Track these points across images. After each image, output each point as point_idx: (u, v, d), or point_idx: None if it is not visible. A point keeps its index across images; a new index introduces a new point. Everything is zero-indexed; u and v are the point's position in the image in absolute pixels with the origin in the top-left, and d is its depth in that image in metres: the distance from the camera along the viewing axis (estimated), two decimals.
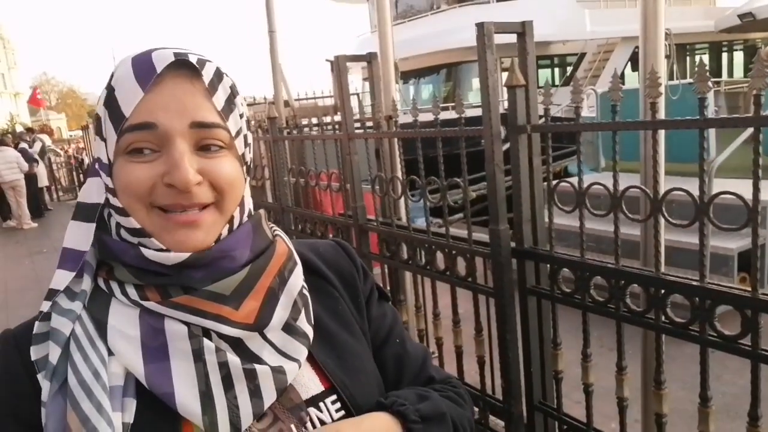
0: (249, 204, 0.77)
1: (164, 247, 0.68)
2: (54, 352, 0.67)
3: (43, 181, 12.89)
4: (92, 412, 0.63)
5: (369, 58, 2.86)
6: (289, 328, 0.74)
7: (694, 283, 1.51)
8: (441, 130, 2.12)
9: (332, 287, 0.86)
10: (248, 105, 6.60)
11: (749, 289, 1.44)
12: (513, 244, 2.02)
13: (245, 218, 0.76)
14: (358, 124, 3.40)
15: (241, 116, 0.74)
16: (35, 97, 26.00)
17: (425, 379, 0.89)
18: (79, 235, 0.71)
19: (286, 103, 5.45)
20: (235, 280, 0.71)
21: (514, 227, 2.01)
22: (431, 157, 2.19)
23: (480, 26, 1.87)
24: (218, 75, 0.71)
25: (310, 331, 0.76)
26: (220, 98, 0.70)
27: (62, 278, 0.71)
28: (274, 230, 0.82)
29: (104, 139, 0.70)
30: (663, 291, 1.58)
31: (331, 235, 3.02)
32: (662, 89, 1.51)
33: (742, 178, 4.42)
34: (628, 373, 1.81)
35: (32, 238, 9.80)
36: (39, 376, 0.67)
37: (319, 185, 2.98)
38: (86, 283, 0.71)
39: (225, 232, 0.72)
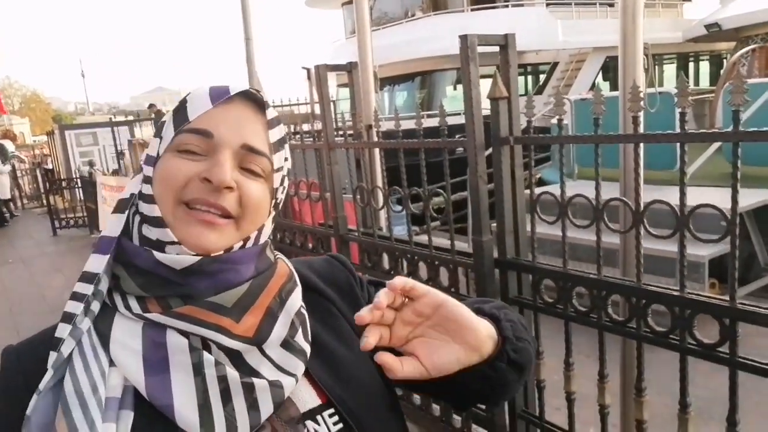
0: (269, 237, 0.81)
1: (175, 239, 0.71)
2: (68, 347, 0.69)
3: (5, 192, 12.42)
4: (82, 425, 0.64)
5: (350, 68, 2.87)
6: (287, 344, 0.76)
7: (675, 293, 1.55)
8: (424, 141, 2.14)
9: (330, 302, 0.89)
10: None
11: (726, 298, 1.48)
12: (495, 255, 2.04)
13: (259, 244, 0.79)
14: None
15: (285, 159, 0.80)
16: None
17: None
18: (115, 223, 0.75)
19: None
20: (236, 292, 0.73)
21: (497, 238, 2.03)
22: (412, 164, 2.20)
23: (463, 38, 1.89)
24: (278, 120, 0.79)
25: (307, 347, 0.78)
26: (275, 135, 0.78)
27: (96, 262, 0.74)
28: (277, 255, 0.85)
29: (161, 137, 0.75)
30: (644, 301, 1.61)
31: (310, 245, 3.01)
32: (643, 104, 1.55)
33: (711, 186, 4.55)
34: (609, 381, 1.84)
35: None
36: (51, 358, 0.69)
37: (298, 194, 2.97)
38: (99, 299, 0.73)
39: (237, 247, 0.75)
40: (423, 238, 2.33)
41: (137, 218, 0.75)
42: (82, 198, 10.92)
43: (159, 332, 0.70)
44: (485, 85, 1.89)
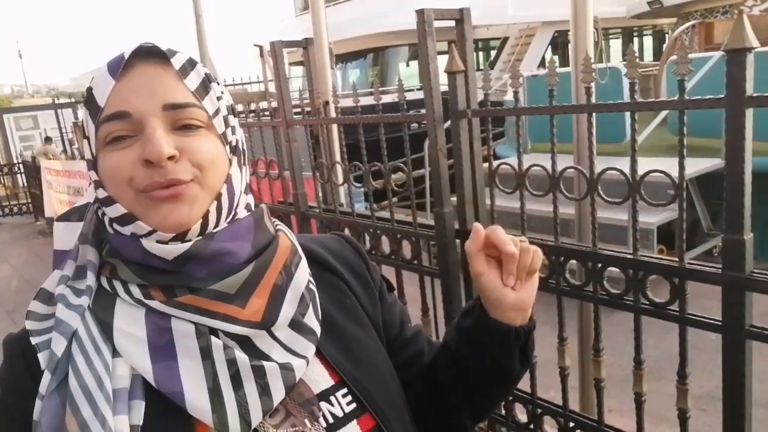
0: (241, 188, 0.76)
1: (150, 229, 0.68)
2: (59, 344, 0.66)
3: None
4: (93, 421, 0.62)
5: (305, 44, 2.84)
6: (297, 324, 0.74)
7: (629, 256, 1.62)
8: (383, 116, 2.15)
9: (341, 280, 0.86)
10: None
11: (676, 259, 1.56)
12: (456, 226, 2.09)
13: (238, 202, 0.75)
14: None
15: (219, 98, 0.74)
16: None
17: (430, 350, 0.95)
18: (66, 235, 0.72)
19: None
20: (239, 278, 0.71)
21: (457, 210, 2.07)
22: (369, 139, 2.21)
23: (420, 13, 1.91)
24: (191, 62, 0.72)
25: (317, 327, 0.76)
26: (193, 81, 0.71)
27: (58, 278, 0.71)
28: (277, 225, 0.82)
29: (87, 137, 0.71)
30: (600, 265, 1.68)
31: None
32: (595, 74, 1.60)
33: (656, 156, 4.73)
34: (568, 344, 1.92)
35: None
36: (40, 357, 0.66)
37: (256, 173, 2.95)
38: (91, 280, 0.70)
39: (213, 210, 0.71)
40: (383, 214, 2.35)
41: (106, 219, 0.72)
42: (25, 184, 10.54)
43: (163, 317, 0.68)
44: (439, 60, 1.91)
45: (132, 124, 0.68)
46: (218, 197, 0.71)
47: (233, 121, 0.76)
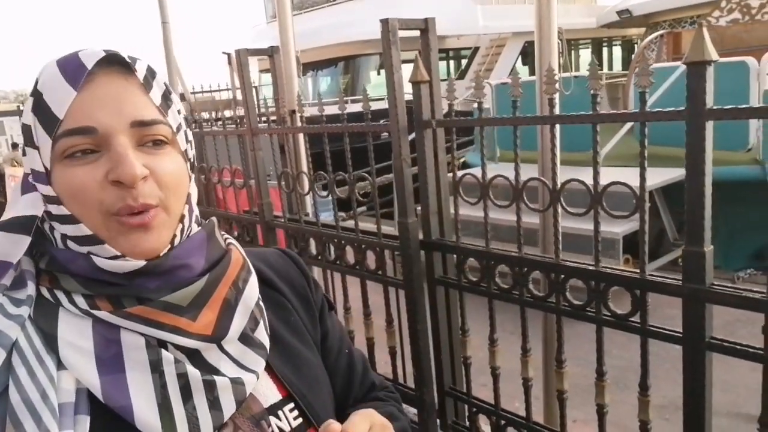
0: (195, 205, 0.75)
1: (117, 253, 0.65)
2: None
3: None
4: None
5: (271, 52, 2.81)
6: (246, 339, 0.73)
7: (590, 267, 1.62)
8: (348, 125, 2.13)
9: (284, 298, 0.86)
10: None
11: (637, 271, 1.56)
12: (420, 236, 2.07)
13: (194, 219, 0.74)
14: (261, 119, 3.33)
15: (179, 112, 0.72)
16: None
17: (368, 386, 0.95)
18: (9, 246, 0.66)
19: (183, 97, 5.25)
20: (192, 290, 0.69)
21: (422, 220, 2.06)
22: (336, 149, 2.19)
23: (384, 22, 1.89)
24: (151, 71, 0.69)
25: (266, 341, 0.76)
26: (156, 94, 0.69)
27: None
28: (227, 239, 0.81)
29: (36, 147, 0.66)
30: (563, 276, 1.68)
31: (236, 233, 2.95)
32: (558, 86, 1.60)
33: (623, 166, 4.79)
34: (531, 355, 1.91)
35: None
36: None
37: (221, 182, 2.90)
38: (31, 289, 0.66)
39: (178, 233, 0.70)
40: (349, 224, 2.33)
41: (57, 233, 0.68)
42: None
43: (111, 329, 0.65)
44: (407, 70, 1.90)
45: (97, 139, 0.64)
46: (182, 219, 0.71)
47: (189, 134, 0.75)
